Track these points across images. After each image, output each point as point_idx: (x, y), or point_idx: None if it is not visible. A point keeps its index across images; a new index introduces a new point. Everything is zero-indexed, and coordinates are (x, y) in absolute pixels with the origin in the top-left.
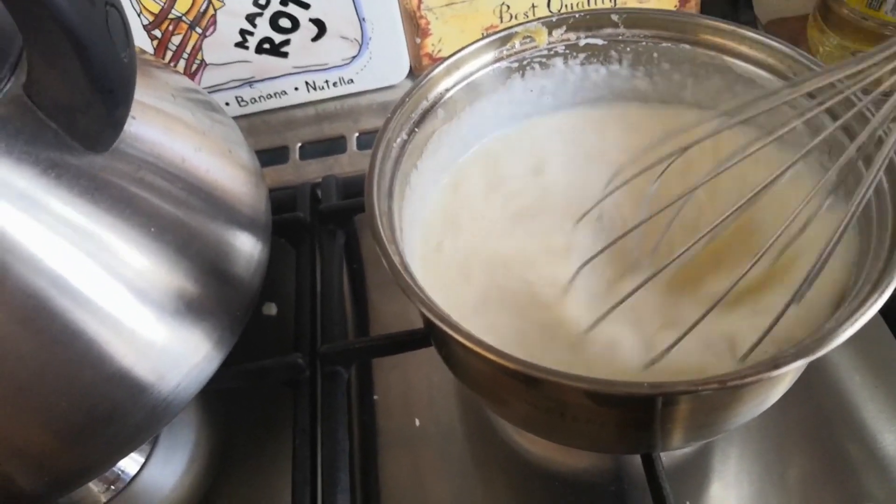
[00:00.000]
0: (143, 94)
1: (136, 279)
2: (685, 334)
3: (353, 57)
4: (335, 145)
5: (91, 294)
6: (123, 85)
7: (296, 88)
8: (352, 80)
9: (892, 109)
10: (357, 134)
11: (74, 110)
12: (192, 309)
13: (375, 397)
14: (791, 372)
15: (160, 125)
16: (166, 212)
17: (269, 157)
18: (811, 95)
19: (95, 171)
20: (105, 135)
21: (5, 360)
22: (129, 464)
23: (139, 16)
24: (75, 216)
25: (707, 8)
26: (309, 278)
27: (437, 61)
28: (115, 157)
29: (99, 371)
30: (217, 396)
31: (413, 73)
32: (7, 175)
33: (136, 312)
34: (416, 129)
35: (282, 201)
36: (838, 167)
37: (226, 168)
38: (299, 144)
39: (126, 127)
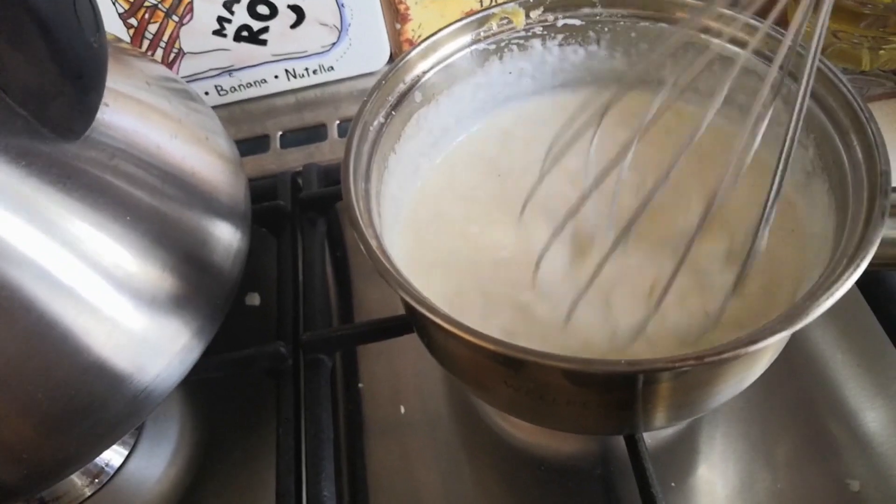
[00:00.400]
0: (116, 81)
1: (112, 268)
2: (663, 296)
3: (333, 44)
4: (316, 133)
5: (66, 284)
6: (94, 70)
7: (275, 76)
8: (332, 68)
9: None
10: (338, 121)
11: (44, 97)
12: (171, 298)
13: (360, 385)
14: (770, 347)
15: (134, 113)
16: (141, 200)
17: (250, 146)
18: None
19: (67, 160)
20: (77, 122)
21: None
22: (113, 456)
23: (114, 4)
24: (47, 205)
25: None
26: (290, 267)
27: None
28: (88, 145)
29: (76, 361)
30: (201, 387)
31: (393, 60)
32: None
33: (113, 302)
34: (394, 113)
35: (263, 190)
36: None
37: (203, 156)
38: (280, 133)
39: (99, 115)
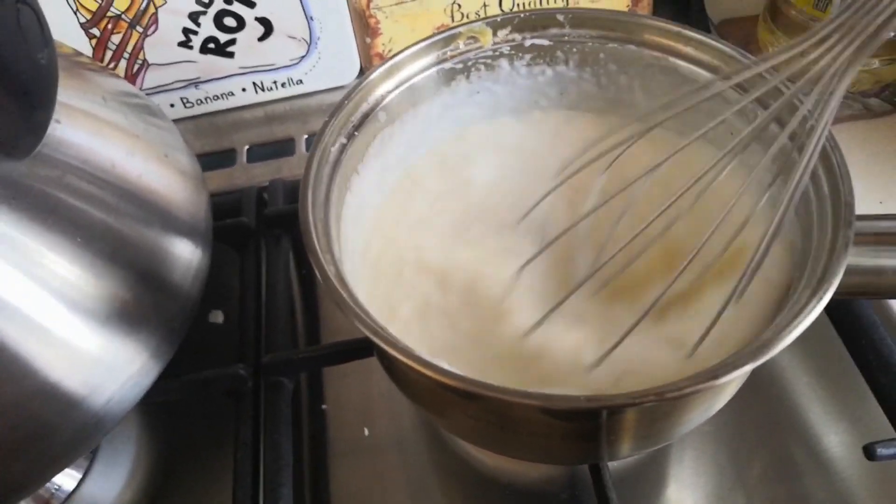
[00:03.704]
0: (70, 97)
1: (63, 288)
2: (622, 338)
3: (302, 57)
4: (284, 147)
5: (12, 305)
6: (41, 88)
7: (243, 89)
8: (301, 81)
9: (822, 94)
10: (306, 136)
11: None
12: (125, 319)
13: (324, 407)
14: (735, 379)
15: (88, 129)
16: (94, 218)
17: (216, 159)
18: (743, 89)
19: (15, 178)
20: (24, 140)
21: None
22: (66, 480)
23: (76, 13)
24: None
25: (659, 8)
26: (253, 285)
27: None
28: (38, 162)
29: (24, 385)
30: (158, 408)
31: (364, 74)
32: None
33: (64, 323)
34: (357, 133)
35: (227, 205)
36: (770, 156)
37: (161, 172)
38: (247, 147)
39: (50, 131)
